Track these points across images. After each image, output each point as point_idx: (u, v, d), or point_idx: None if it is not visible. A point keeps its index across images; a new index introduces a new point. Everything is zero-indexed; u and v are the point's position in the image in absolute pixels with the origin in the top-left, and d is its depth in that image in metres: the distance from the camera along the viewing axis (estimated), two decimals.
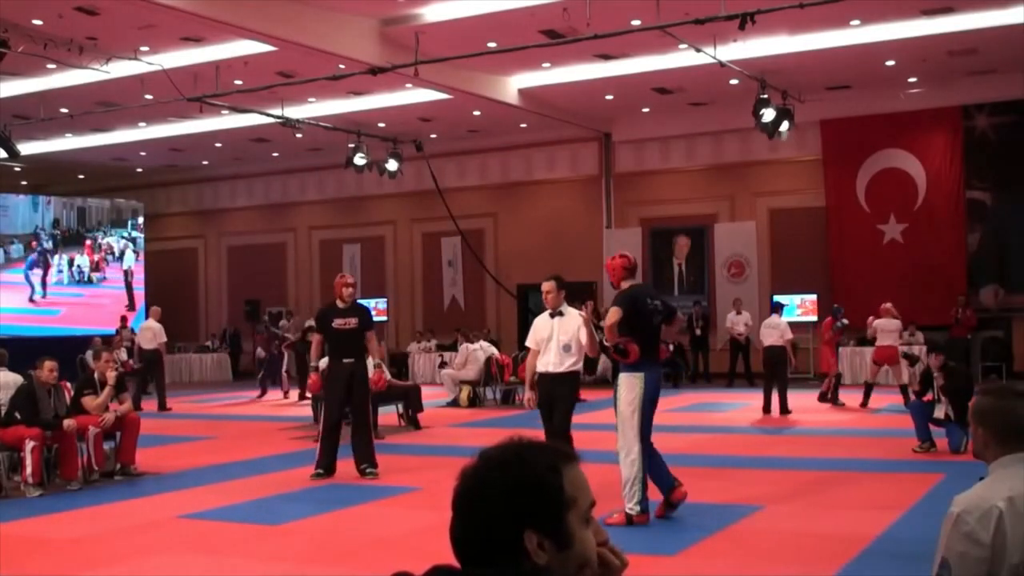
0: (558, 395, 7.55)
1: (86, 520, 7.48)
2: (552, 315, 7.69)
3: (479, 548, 1.57)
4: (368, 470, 8.82)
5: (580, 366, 7.72)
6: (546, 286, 7.75)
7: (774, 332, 13.41)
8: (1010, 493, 2.41)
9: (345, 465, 9.00)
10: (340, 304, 8.99)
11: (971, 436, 2.72)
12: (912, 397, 10.86)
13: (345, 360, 8.88)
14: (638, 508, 6.66)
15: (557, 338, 7.56)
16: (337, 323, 8.91)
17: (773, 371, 13.39)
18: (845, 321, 14.68)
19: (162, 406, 15.81)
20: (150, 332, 16.24)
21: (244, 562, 6.11)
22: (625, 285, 6.94)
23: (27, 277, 23.09)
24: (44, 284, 23.31)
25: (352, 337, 8.90)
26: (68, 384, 9.41)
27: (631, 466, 6.66)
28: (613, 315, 6.70)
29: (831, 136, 19.19)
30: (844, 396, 14.59)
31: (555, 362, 7.55)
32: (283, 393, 17.64)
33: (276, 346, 18.03)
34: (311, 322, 17.19)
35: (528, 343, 7.90)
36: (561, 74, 17.26)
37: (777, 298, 17.30)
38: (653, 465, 6.87)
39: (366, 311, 9.28)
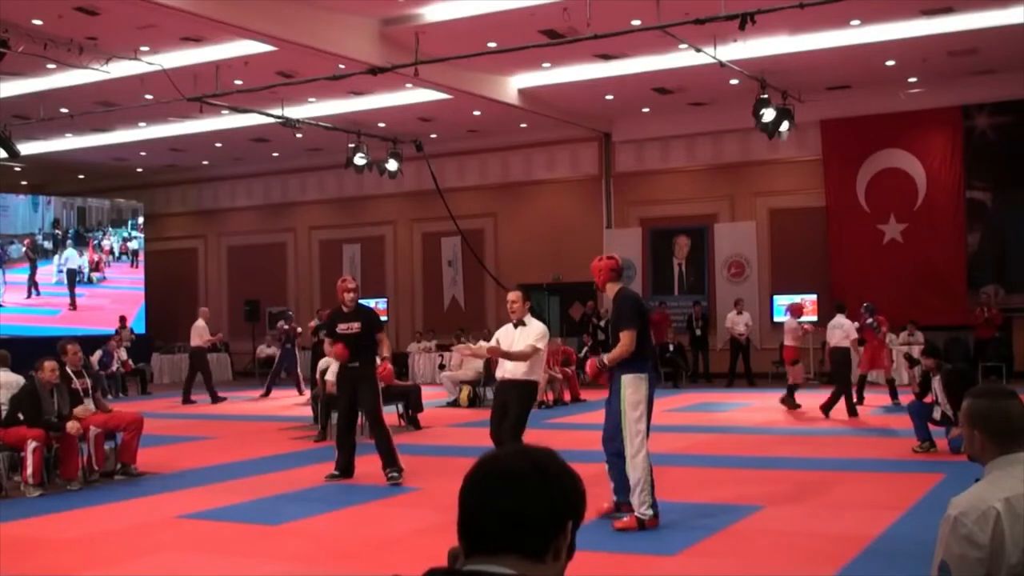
0: (513, 401, 7.67)
1: (86, 520, 7.47)
2: (515, 325, 7.91)
3: (516, 523, 1.57)
4: (390, 474, 8.68)
5: (538, 376, 7.86)
6: (512, 296, 7.96)
7: (838, 332, 13.05)
8: (1007, 494, 2.42)
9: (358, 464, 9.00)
10: (344, 309, 8.96)
11: (964, 438, 2.71)
12: (912, 397, 10.83)
13: (350, 364, 8.83)
14: (650, 512, 6.60)
15: (519, 348, 7.71)
16: (341, 327, 8.88)
17: (837, 372, 13.01)
18: (869, 320, 14.11)
19: (214, 399, 17.22)
20: (195, 331, 17.42)
21: (244, 562, 6.11)
22: (612, 288, 6.94)
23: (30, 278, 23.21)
24: (35, 285, 23.34)
25: (356, 341, 8.80)
26: None
27: (639, 468, 6.57)
28: (629, 340, 6.62)
29: (831, 136, 19.18)
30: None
31: (511, 369, 7.73)
32: (299, 391, 17.76)
33: (289, 341, 18.13)
34: (316, 322, 17.47)
35: (495, 342, 8.02)
36: (561, 74, 17.27)
37: (783, 298, 17.34)
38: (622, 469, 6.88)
39: (371, 314, 9.20)
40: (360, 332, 8.81)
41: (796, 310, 14.34)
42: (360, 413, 9.18)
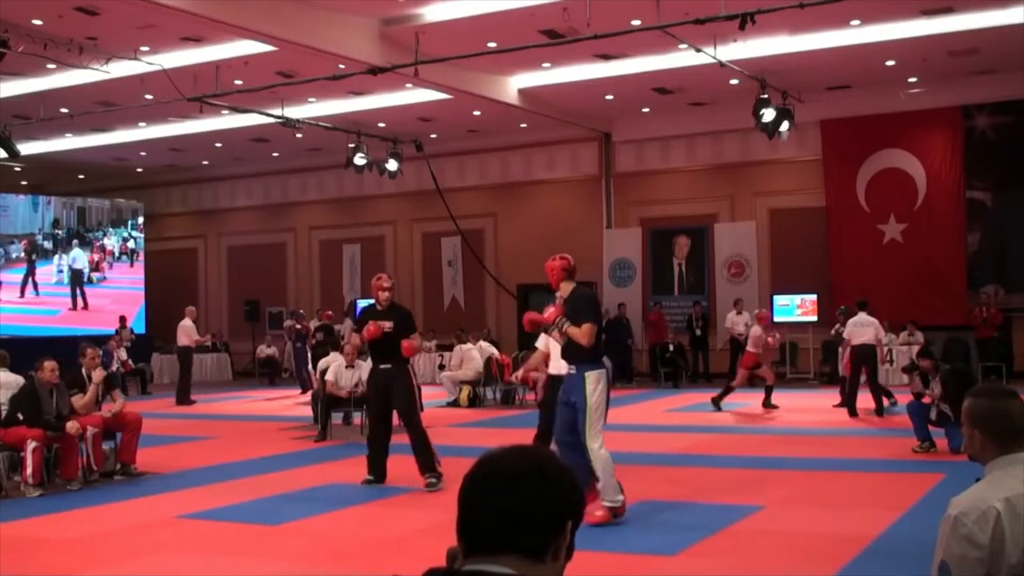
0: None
1: (86, 520, 7.47)
2: None
3: (516, 523, 1.57)
4: (428, 479, 8.32)
5: None
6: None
7: (868, 330, 12.87)
8: (1007, 494, 2.42)
9: (350, 464, 8.97)
10: (378, 307, 8.57)
11: (965, 438, 2.72)
12: (911, 397, 10.82)
13: (382, 365, 8.47)
14: (620, 498, 6.71)
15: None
16: None
17: (866, 370, 12.89)
18: (838, 326, 14.20)
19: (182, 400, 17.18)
20: (182, 331, 17.61)
21: (244, 562, 6.11)
22: (566, 287, 6.95)
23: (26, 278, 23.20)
24: (35, 284, 23.33)
25: (388, 340, 8.37)
26: None
27: (603, 459, 6.65)
28: (590, 331, 6.69)
29: (831, 136, 19.19)
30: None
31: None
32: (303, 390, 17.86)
33: (299, 340, 18.23)
34: (316, 322, 17.54)
35: (538, 343, 8.06)
36: (561, 74, 17.27)
37: (783, 298, 17.31)
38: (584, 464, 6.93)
39: (405, 314, 8.76)
40: (392, 332, 8.37)
41: (763, 318, 14.39)
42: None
